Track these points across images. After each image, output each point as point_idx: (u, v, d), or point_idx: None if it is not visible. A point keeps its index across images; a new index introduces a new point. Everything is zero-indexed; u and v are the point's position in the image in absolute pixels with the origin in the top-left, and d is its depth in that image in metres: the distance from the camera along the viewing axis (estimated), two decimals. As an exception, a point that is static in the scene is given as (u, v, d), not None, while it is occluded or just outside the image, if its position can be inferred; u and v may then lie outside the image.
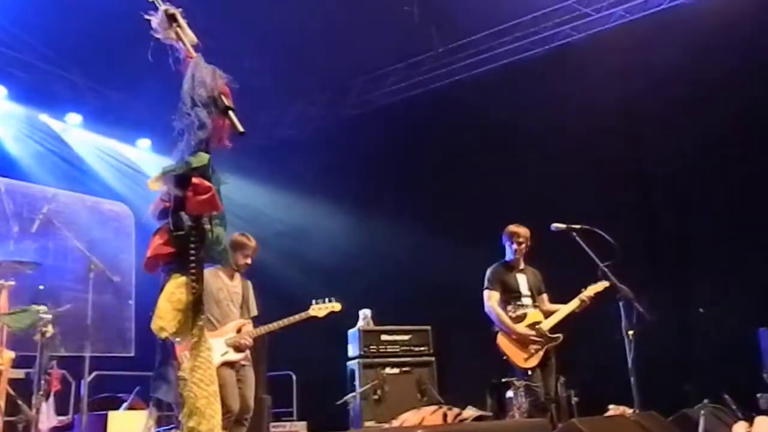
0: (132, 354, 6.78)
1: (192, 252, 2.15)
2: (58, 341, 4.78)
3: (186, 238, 2.14)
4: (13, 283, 4.60)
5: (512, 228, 5.36)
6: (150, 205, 2.23)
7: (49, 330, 4.51)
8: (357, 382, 6.31)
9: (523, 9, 7.51)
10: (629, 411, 4.61)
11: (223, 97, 2.22)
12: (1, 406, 4.48)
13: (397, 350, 6.58)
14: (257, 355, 5.42)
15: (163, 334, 2.13)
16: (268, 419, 6.40)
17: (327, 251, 8.31)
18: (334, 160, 8.47)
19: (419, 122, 8.27)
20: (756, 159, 6.78)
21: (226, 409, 4.32)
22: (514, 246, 5.32)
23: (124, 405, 6.04)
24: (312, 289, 6.96)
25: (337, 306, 5.17)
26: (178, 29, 2.34)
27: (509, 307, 5.25)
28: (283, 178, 8.78)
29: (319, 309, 5.11)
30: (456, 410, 4.66)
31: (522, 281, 5.36)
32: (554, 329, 5.17)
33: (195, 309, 2.16)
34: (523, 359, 5.05)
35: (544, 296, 5.45)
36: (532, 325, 5.15)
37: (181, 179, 2.14)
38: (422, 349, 6.69)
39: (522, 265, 5.41)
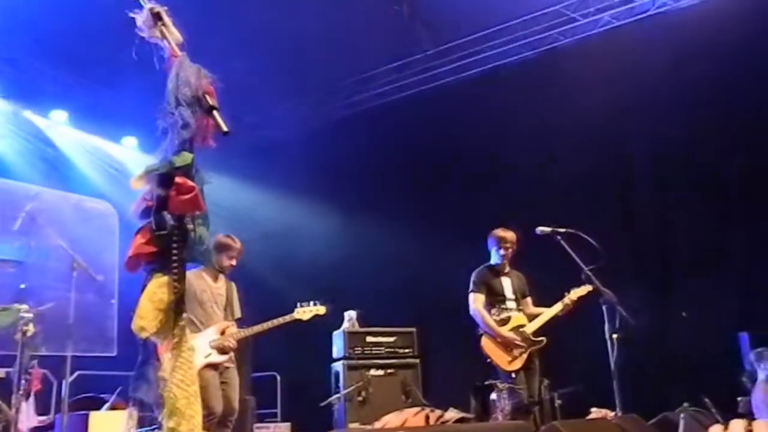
0: (114, 354, 6.74)
1: (174, 252, 2.14)
2: (40, 340, 4.74)
3: (168, 238, 2.14)
4: (-6, 281, 4.55)
5: (499, 233, 5.38)
6: (132, 204, 2.22)
7: (30, 329, 4.47)
8: (341, 384, 6.30)
9: (512, 13, 7.55)
10: (611, 414, 4.65)
11: (207, 97, 2.22)
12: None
13: (382, 352, 6.58)
14: (241, 357, 5.40)
15: (144, 334, 2.12)
16: (252, 420, 6.39)
17: (313, 253, 8.29)
18: (321, 161, 8.45)
19: (407, 124, 8.28)
20: (738, 163, 6.86)
21: (209, 411, 4.30)
22: (501, 251, 5.34)
23: (106, 405, 5.99)
24: (297, 291, 6.94)
25: (321, 309, 5.16)
26: (163, 28, 2.33)
27: (494, 310, 5.28)
28: (269, 178, 8.75)
29: (304, 312, 5.09)
30: (438, 412, 4.68)
31: (507, 284, 5.39)
32: (538, 332, 5.20)
33: (176, 309, 2.15)
34: (507, 362, 5.07)
35: (529, 299, 5.48)
36: (516, 329, 5.18)
37: (164, 178, 2.14)
38: (407, 350, 6.69)
39: (507, 269, 5.44)
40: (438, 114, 8.09)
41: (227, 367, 4.75)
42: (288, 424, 7.03)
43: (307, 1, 6.81)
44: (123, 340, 6.76)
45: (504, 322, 5.22)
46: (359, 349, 6.51)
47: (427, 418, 4.65)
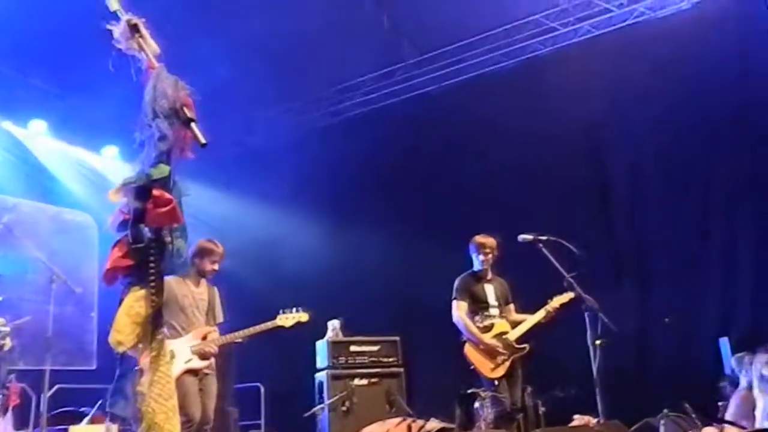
0: (94, 367, 6.64)
1: (151, 265, 2.13)
2: (17, 354, 4.67)
3: (145, 251, 2.12)
4: (-30, 294, 4.48)
5: (479, 239, 5.41)
6: (109, 217, 2.20)
7: (8, 343, 4.41)
8: (325, 394, 6.27)
9: (493, 22, 7.62)
10: (593, 421, 4.67)
11: (185, 109, 2.20)
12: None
13: (366, 361, 6.56)
14: (224, 367, 5.36)
15: (121, 348, 2.10)
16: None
17: (296, 261, 8.25)
18: (303, 170, 8.44)
19: (389, 133, 8.30)
20: (714, 171, 6.97)
21: (187, 418, 4.28)
22: (481, 257, 5.36)
23: (86, 419, 5.90)
24: (280, 299, 6.89)
25: (304, 316, 5.14)
26: (141, 39, 2.32)
27: (477, 318, 5.29)
28: (253, 187, 8.72)
29: (286, 319, 5.06)
30: (420, 422, 4.67)
31: (490, 291, 5.40)
32: (521, 340, 5.21)
33: (154, 322, 2.13)
34: (490, 369, 5.08)
35: (511, 306, 5.50)
36: (499, 336, 5.19)
37: (141, 191, 2.13)
38: (391, 359, 6.67)
39: (490, 276, 5.46)
40: (421, 123, 8.13)
41: (207, 374, 4.71)
42: (272, 436, 6.98)
43: (290, 10, 6.81)
44: (103, 353, 6.66)
45: (487, 329, 5.23)
46: (343, 358, 6.48)
47: (409, 428, 4.64)
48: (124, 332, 2.09)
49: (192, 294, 4.78)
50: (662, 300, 6.95)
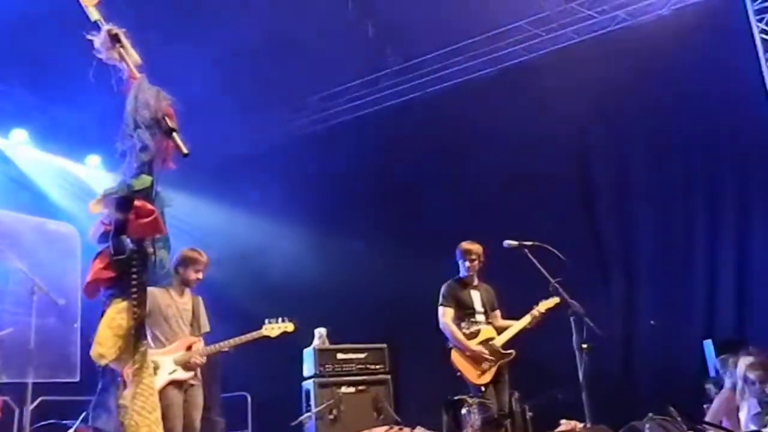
0: (77, 379, 6.55)
1: (134, 276, 2.11)
2: (-1, 367, 4.60)
3: (127, 262, 2.11)
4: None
5: (465, 245, 5.42)
6: (90, 229, 2.18)
7: (-11, 356, 4.33)
8: (312, 402, 6.24)
9: (477, 29, 7.66)
10: (580, 425, 4.68)
11: (167, 119, 2.19)
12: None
13: (353, 369, 6.54)
14: (210, 376, 5.32)
15: (103, 361, 2.08)
16: (221, 442, 6.28)
17: (282, 269, 8.22)
18: (289, 178, 8.42)
19: (374, 140, 8.31)
20: (699, 175, 7.05)
21: (168, 430, 4.23)
22: (467, 263, 5.37)
23: (70, 432, 5.82)
24: (266, 308, 6.85)
25: (290, 326, 5.12)
26: (122, 49, 2.30)
27: (463, 324, 5.29)
28: (236, 196, 8.68)
29: (272, 329, 5.04)
30: (407, 430, 4.66)
31: (476, 298, 5.41)
32: (507, 345, 5.22)
33: (137, 334, 2.11)
34: (477, 375, 5.08)
35: (498, 312, 5.51)
36: (485, 342, 5.19)
37: (123, 202, 2.11)
38: (378, 367, 6.65)
39: (476, 282, 5.47)
40: (404, 130, 8.15)
41: (192, 385, 4.67)
42: (259, 445, 6.93)
43: (275, 18, 6.81)
44: (86, 364, 6.57)
45: (473, 335, 5.24)
46: (330, 366, 6.46)
47: (396, 436, 4.62)
48: (105, 345, 2.07)
49: (176, 304, 4.74)
50: (647, 304, 7.01)
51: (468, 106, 7.69)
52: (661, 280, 7.00)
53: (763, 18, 6.58)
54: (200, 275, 4.84)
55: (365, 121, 8.43)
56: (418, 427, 4.89)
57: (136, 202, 2.11)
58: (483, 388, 5.02)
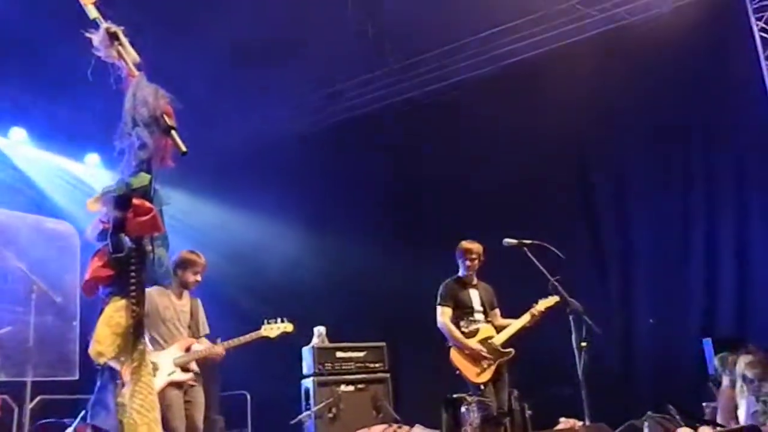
0: (76, 377, 6.54)
1: (132, 274, 2.11)
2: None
3: (126, 260, 2.10)
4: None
5: (465, 244, 5.42)
6: (88, 227, 2.18)
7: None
8: (312, 401, 6.24)
9: (476, 27, 7.65)
10: (579, 423, 4.69)
11: (165, 117, 2.19)
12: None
13: (352, 367, 6.53)
14: (209, 376, 5.31)
15: (102, 360, 2.07)
16: (221, 440, 6.28)
17: (280, 269, 8.22)
18: (287, 176, 8.41)
19: (373, 139, 8.30)
20: (697, 173, 7.06)
21: (171, 431, 4.24)
22: (467, 262, 5.37)
23: (69, 430, 5.81)
24: (265, 307, 6.86)
25: (289, 326, 5.11)
26: (120, 48, 2.30)
27: (462, 323, 5.29)
28: (236, 195, 8.66)
29: (271, 329, 5.04)
30: (406, 428, 4.66)
31: (475, 296, 5.41)
32: (506, 344, 5.23)
33: (135, 333, 2.11)
34: (476, 374, 5.09)
35: (497, 311, 5.51)
36: (484, 341, 5.19)
37: (121, 200, 2.11)
38: (377, 365, 6.65)
39: (475, 281, 5.47)
40: (404, 128, 8.15)
41: (192, 385, 4.67)
42: (258, 444, 6.93)
43: (272, 16, 6.80)
44: (85, 363, 6.55)
45: (472, 334, 5.24)
46: (329, 364, 6.45)
47: (394, 434, 4.63)
48: (104, 343, 2.06)
49: (174, 306, 4.74)
50: (646, 302, 7.02)
51: (466, 104, 7.69)
52: (660, 278, 7.01)
53: (763, 16, 6.58)
54: (199, 277, 4.84)
55: (364, 120, 8.43)
56: (417, 425, 4.89)
57: (135, 200, 2.10)
58: (482, 387, 5.02)
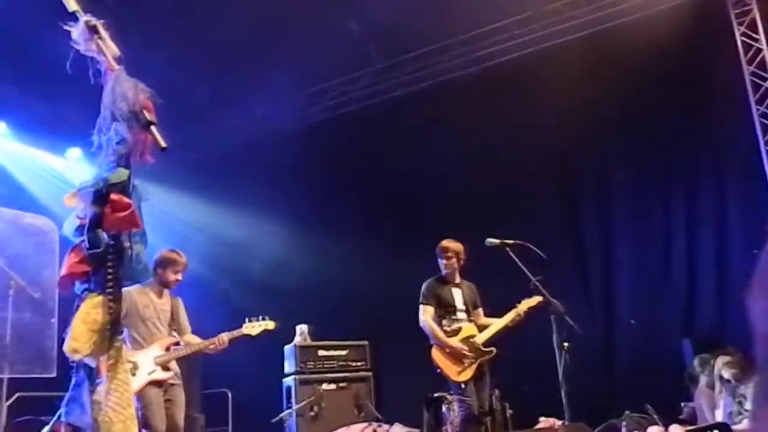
0: (54, 375, 6.47)
1: (109, 271, 2.08)
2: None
3: (103, 256, 2.08)
4: None
5: (443, 243, 5.42)
6: (65, 223, 2.15)
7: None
8: (293, 399, 6.22)
9: (461, 28, 7.66)
10: (558, 423, 4.72)
11: (145, 112, 2.17)
12: None
13: (334, 366, 6.53)
14: (189, 373, 5.28)
15: (77, 357, 2.05)
16: (201, 439, 6.24)
17: (263, 267, 8.19)
18: (269, 174, 8.37)
19: (356, 138, 8.28)
20: (680, 175, 7.13)
21: (151, 430, 4.22)
22: (444, 261, 5.36)
23: (46, 428, 5.74)
24: (248, 305, 6.85)
25: (270, 324, 5.09)
26: (100, 41, 2.27)
27: (444, 321, 5.29)
28: (218, 192, 8.61)
29: (252, 327, 5.01)
30: (385, 427, 4.66)
31: (457, 295, 5.41)
32: (488, 343, 5.24)
33: (112, 330, 2.08)
34: (457, 373, 5.09)
35: (480, 310, 5.51)
36: (465, 339, 5.20)
37: (99, 195, 2.08)
38: (359, 364, 6.65)
39: (458, 280, 5.47)
40: (388, 128, 8.13)
41: (172, 384, 4.64)
42: (239, 442, 6.90)
43: (257, 14, 6.76)
44: (64, 360, 6.48)
45: (454, 332, 5.24)
46: (311, 363, 6.44)
47: (375, 433, 4.63)
48: (80, 340, 2.04)
49: (153, 305, 4.70)
50: (627, 303, 7.07)
51: (450, 105, 7.69)
52: (641, 279, 7.07)
53: (744, 21, 6.66)
54: (179, 276, 4.80)
55: (347, 119, 8.40)
56: (396, 423, 4.89)
57: (113, 196, 2.08)
58: (463, 385, 5.02)
